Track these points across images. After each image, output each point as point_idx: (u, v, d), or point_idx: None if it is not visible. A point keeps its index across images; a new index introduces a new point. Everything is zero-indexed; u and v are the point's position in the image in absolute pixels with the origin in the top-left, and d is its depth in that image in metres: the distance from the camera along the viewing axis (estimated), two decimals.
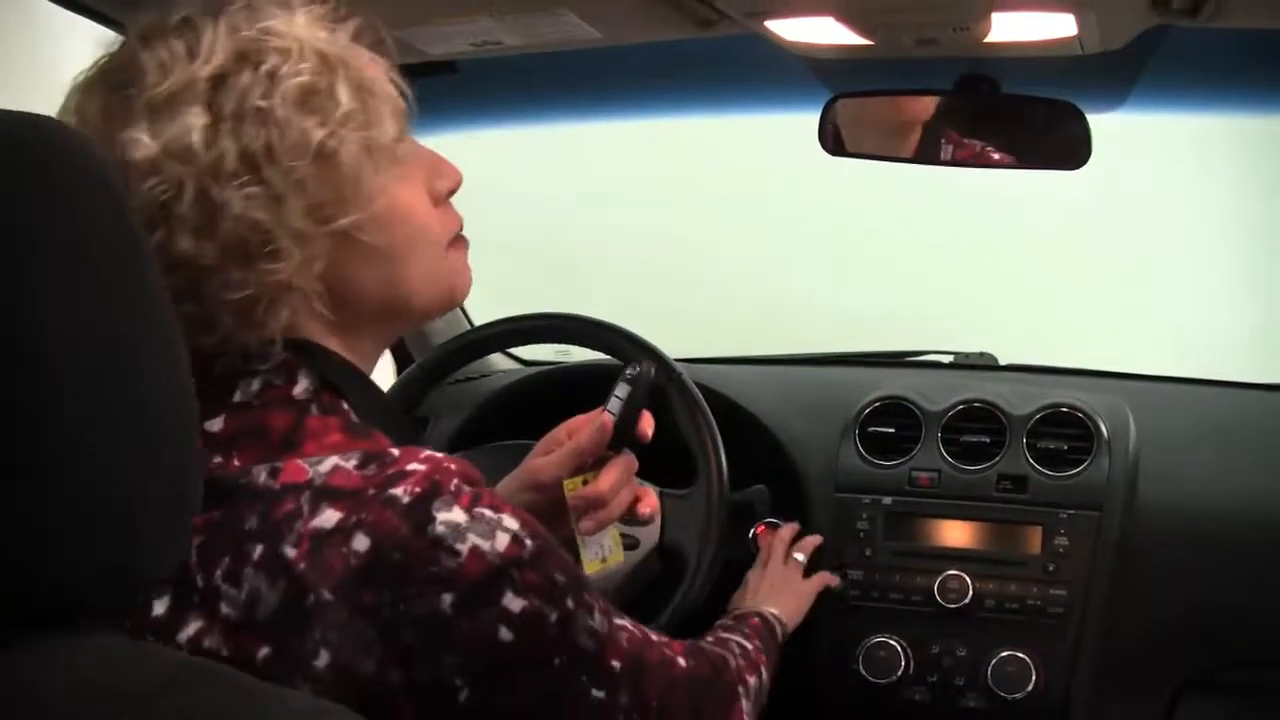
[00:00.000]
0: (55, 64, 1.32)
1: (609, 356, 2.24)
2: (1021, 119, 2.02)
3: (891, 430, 2.34)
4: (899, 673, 2.20)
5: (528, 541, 1.18)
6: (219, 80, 1.18)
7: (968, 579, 2.19)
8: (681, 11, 1.73)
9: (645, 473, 2.21)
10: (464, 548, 1.13)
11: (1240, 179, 3.66)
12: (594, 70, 2.29)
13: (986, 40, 1.77)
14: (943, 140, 2.06)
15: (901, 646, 2.20)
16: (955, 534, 2.24)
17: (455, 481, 1.15)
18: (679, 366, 2.17)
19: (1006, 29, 1.74)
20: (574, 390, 2.54)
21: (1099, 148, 1.98)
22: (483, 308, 2.84)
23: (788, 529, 2.22)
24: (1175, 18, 1.64)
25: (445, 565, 1.13)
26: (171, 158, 1.16)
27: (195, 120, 1.17)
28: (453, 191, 1.37)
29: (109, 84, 1.22)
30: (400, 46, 1.73)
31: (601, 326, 2.22)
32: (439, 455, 1.17)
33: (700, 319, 3.79)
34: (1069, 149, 1.99)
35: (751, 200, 4.21)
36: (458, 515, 1.14)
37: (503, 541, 1.16)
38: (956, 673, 2.19)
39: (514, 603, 1.16)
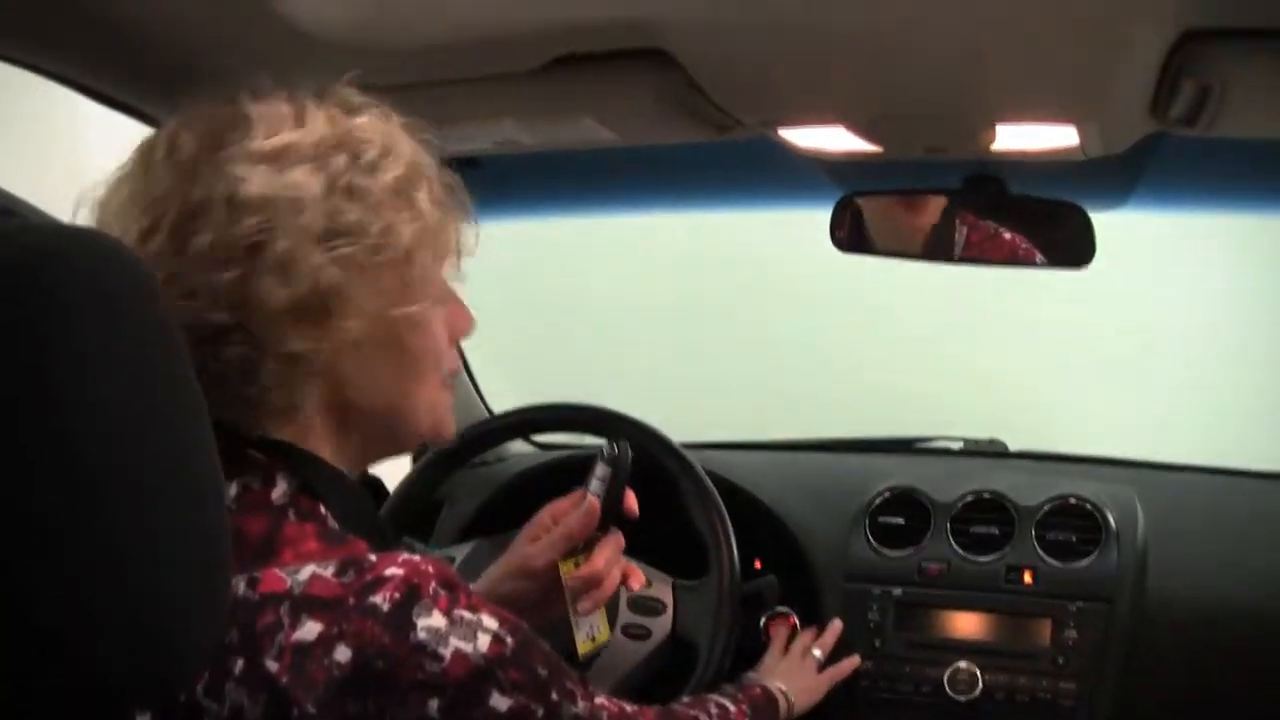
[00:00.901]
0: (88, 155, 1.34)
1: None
2: (1028, 218, 2.05)
3: (901, 521, 2.35)
4: None
5: (509, 639, 1.20)
6: (324, 152, 1.23)
7: (977, 671, 2.19)
8: (698, 118, 1.76)
9: (657, 563, 2.24)
10: (447, 652, 1.15)
11: (1250, 267, 3.67)
12: (611, 166, 2.32)
13: (992, 148, 1.80)
14: (951, 238, 2.08)
15: None
16: (965, 625, 2.25)
17: (433, 585, 1.16)
18: (691, 456, 2.20)
19: (1011, 139, 1.77)
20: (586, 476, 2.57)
21: (1107, 235, 2.01)
22: (498, 388, 2.88)
23: (808, 634, 2.24)
24: (1173, 126, 1.66)
25: (429, 671, 1.14)
26: (281, 203, 1.19)
27: (309, 179, 1.21)
28: (468, 335, 1.44)
29: (212, 125, 1.24)
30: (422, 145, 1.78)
31: (613, 418, 2.25)
32: (415, 559, 1.18)
33: (714, 400, 3.81)
34: (1074, 248, 2.02)
35: (763, 286, 4.23)
36: (438, 620, 1.15)
37: (484, 642, 1.17)
38: None
39: (501, 702, 1.18)
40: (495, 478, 2.60)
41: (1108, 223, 2.02)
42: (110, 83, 1.72)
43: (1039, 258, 2.06)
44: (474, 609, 1.19)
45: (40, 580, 0.81)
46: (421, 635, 1.13)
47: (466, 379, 2.83)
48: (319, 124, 1.25)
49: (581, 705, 1.29)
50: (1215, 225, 3.14)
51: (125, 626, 0.84)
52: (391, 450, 1.42)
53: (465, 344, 2.72)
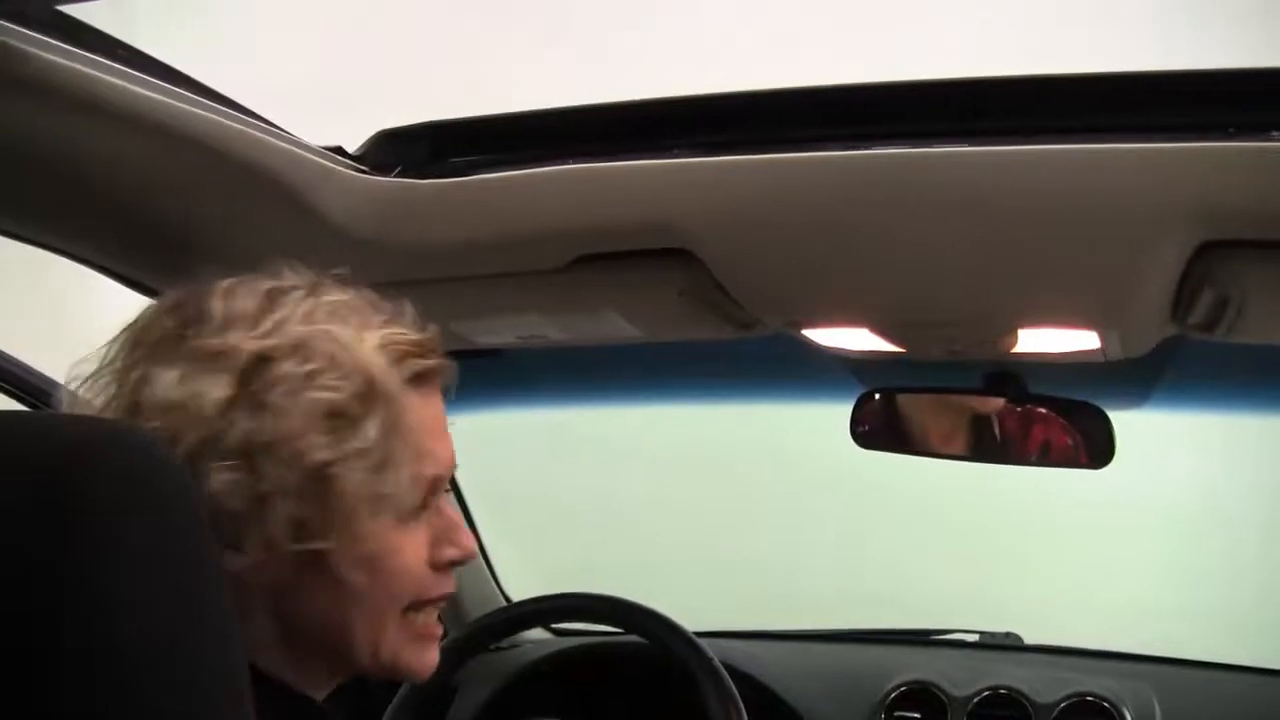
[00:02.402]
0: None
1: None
2: (1045, 418, 2.07)
3: (918, 716, 2.34)
4: None
5: None
6: (262, 359, 1.15)
7: None
8: (721, 315, 1.78)
9: None
10: None
11: (1264, 459, 3.68)
12: (630, 358, 2.34)
13: (1013, 351, 1.82)
14: (969, 436, 2.10)
15: None
16: None
17: None
18: (708, 648, 2.19)
19: (1032, 343, 1.80)
20: (604, 666, 2.57)
21: (1130, 425, 2.03)
22: (516, 576, 2.88)
23: None
24: (1193, 332, 1.68)
25: None
26: (181, 411, 1.12)
27: (219, 390, 1.13)
28: (456, 562, 1.29)
29: (181, 316, 1.19)
30: (449, 337, 1.80)
31: (630, 609, 2.25)
32: None
33: (731, 589, 3.81)
34: (1093, 448, 2.04)
35: (782, 477, 4.25)
36: None
37: None
38: None
39: None
40: (510, 664, 2.60)
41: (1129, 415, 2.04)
42: (124, 263, 1.74)
43: (1060, 457, 2.07)
44: None
45: None
46: None
47: (484, 565, 2.84)
48: (282, 329, 1.17)
49: None
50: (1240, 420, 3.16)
51: None
52: (361, 673, 1.30)
53: (481, 530, 2.78)
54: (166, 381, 1.14)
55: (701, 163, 1.51)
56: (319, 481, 1.14)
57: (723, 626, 2.62)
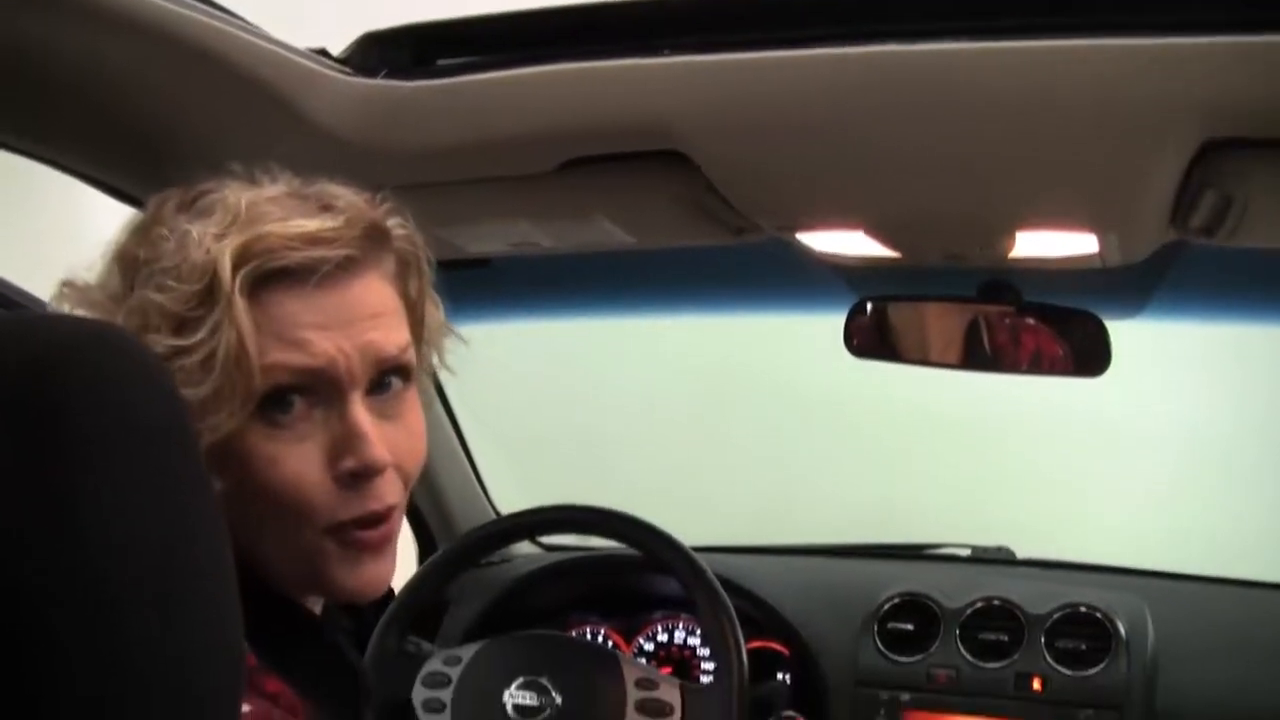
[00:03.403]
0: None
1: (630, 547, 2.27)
2: (1042, 326, 2.05)
3: (910, 627, 2.34)
4: None
5: None
6: (135, 262, 1.19)
7: None
8: (714, 220, 1.76)
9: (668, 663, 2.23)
10: None
11: (1267, 376, 3.67)
12: (622, 268, 2.32)
13: (1011, 256, 1.80)
14: (964, 345, 2.08)
15: None
16: None
17: None
18: (701, 560, 2.19)
19: (1030, 247, 1.77)
20: (595, 579, 2.57)
21: (1121, 344, 2.01)
22: (505, 491, 2.87)
23: None
24: (1194, 236, 1.67)
25: None
26: (87, 309, 1.19)
27: (103, 292, 1.20)
28: (357, 474, 1.21)
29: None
30: (438, 244, 1.77)
31: (624, 520, 2.24)
32: (247, 709, 1.07)
33: (723, 504, 3.81)
34: (1089, 356, 2.02)
35: (765, 391, 4.24)
36: None
37: None
38: None
39: None
40: (501, 579, 2.59)
41: (1119, 330, 2.02)
42: (108, 171, 1.73)
43: (1056, 365, 2.06)
44: None
45: (61, 702, 0.79)
46: None
47: (474, 481, 2.83)
48: (163, 233, 1.19)
49: None
50: (1229, 332, 3.14)
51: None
52: (307, 596, 1.30)
53: (472, 445, 2.77)
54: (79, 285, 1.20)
55: (695, 61, 1.47)
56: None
57: (715, 543, 2.61)
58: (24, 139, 1.63)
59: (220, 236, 1.16)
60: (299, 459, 1.20)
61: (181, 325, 1.15)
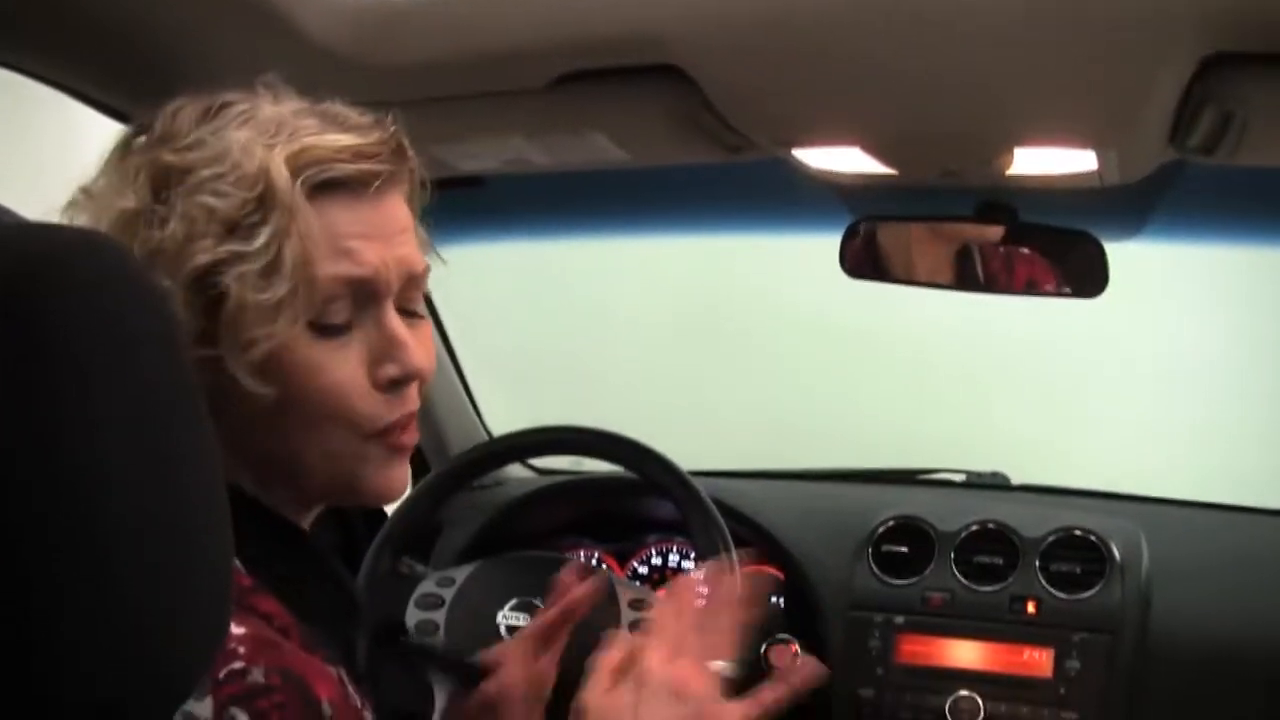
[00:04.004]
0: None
1: (624, 469, 2.27)
2: (1039, 247, 2.03)
3: (905, 550, 2.34)
4: None
5: None
6: (172, 171, 1.18)
7: (979, 700, 2.18)
8: (709, 137, 1.75)
9: (662, 586, 2.22)
10: None
11: (1261, 302, 3.67)
12: (616, 188, 2.31)
13: (1008, 173, 1.79)
14: (961, 266, 2.07)
15: None
16: (967, 654, 2.23)
17: (231, 667, 1.06)
18: (696, 482, 2.19)
19: (1028, 163, 1.76)
20: (588, 502, 2.57)
21: (1117, 271, 2.00)
22: (499, 413, 2.87)
23: None
24: (1193, 154, 1.66)
25: None
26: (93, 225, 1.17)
27: (126, 202, 1.18)
28: (398, 381, 1.26)
29: (131, 135, 1.24)
30: (431, 162, 1.76)
31: (619, 441, 2.24)
32: (238, 631, 1.08)
33: (716, 429, 3.80)
34: (1086, 277, 2.00)
35: (767, 315, 4.23)
36: (205, 708, 1.03)
37: None
38: None
39: None
40: (495, 502, 2.59)
41: (1116, 255, 2.01)
42: (101, 86, 1.71)
43: (1052, 286, 2.04)
44: (261, 718, 1.05)
45: (36, 600, 0.78)
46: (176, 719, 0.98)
47: (467, 402, 2.82)
48: (196, 141, 1.19)
49: None
50: (1227, 258, 3.14)
51: (121, 645, 0.81)
52: (318, 502, 1.33)
53: (466, 368, 2.77)
54: (93, 194, 1.19)
55: None
56: (202, 286, 1.16)
57: (710, 468, 2.60)
58: (12, 53, 1.61)
59: (269, 146, 1.18)
60: (344, 367, 1.23)
61: (236, 230, 1.16)
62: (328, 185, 1.20)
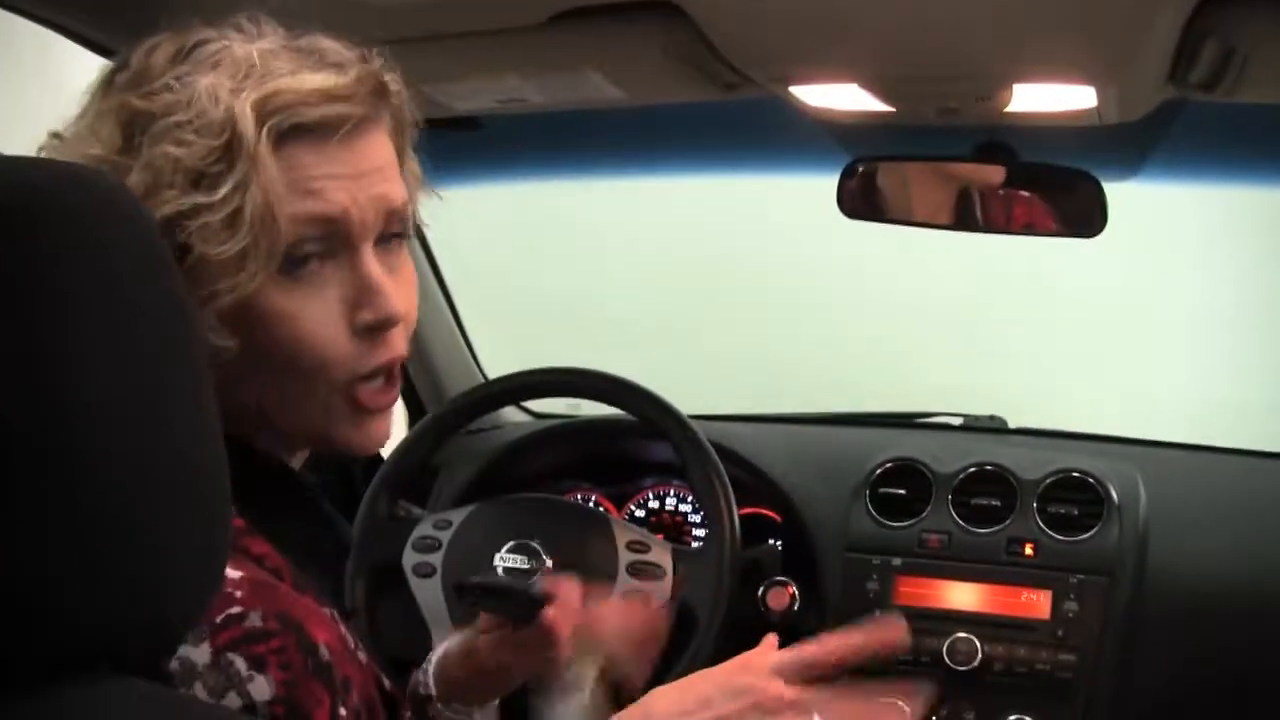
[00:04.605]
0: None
1: (622, 411, 2.26)
2: (1038, 186, 2.02)
3: (902, 492, 2.34)
4: None
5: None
6: (140, 116, 1.15)
7: (977, 641, 2.18)
8: (706, 74, 1.74)
9: (659, 530, 2.23)
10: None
11: (1259, 245, 3.67)
12: (612, 128, 2.30)
13: (1007, 110, 1.78)
14: (959, 206, 2.06)
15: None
16: (965, 596, 2.23)
17: (228, 611, 1.06)
18: (694, 425, 2.18)
19: (1027, 100, 1.75)
20: (586, 444, 2.56)
21: (1114, 214, 1.99)
22: (491, 356, 2.86)
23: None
24: (1193, 91, 1.65)
25: None
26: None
27: (96, 149, 1.15)
28: (374, 326, 1.22)
29: (110, 73, 1.20)
30: (426, 102, 1.74)
31: (617, 383, 2.24)
32: (236, 574, 1.08)
33: (714, 373, 3.80)
34: (1085, 216, 2.00)
35: (765, 258, 4.23)
36: (202, 653, 1.04)
37: (232, 704, 1.03)
38: None
39: None
40: (491, 445, 2.58)
41: (1114, 196, 2.00)
42: (86, 21, 1.69)
43: (1051, 226, 2.04)
44: (253, 664, 1.05)
45: (20, 535, 0.77)
46: (173, 664, 0.99)
47: (464, 346, 2.82)
48: (165, 85, 1.15)
49: None
50: (1226, 198, 3.13)
51: (108, 588, 0.80)
52: (302, 447, 1.31)
53: (462, 311, 2.76)
54: (64, 138, 1.16)
55: None
56: (167, 237, 1.09)
57: (709, 411, 2.60)
58: None
59: (236, 91, 1.14)
60: (317, 313, 1.19)
61: (200, 180, 1.13)
62: (296, 130, 1.16)
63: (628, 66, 1.79)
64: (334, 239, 1.20)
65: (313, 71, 1.18)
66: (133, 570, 0.81)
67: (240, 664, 1.04)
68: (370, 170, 1.21)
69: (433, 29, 1.69)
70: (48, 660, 0.80)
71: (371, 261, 1.22)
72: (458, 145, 2.06)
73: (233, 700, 1.03)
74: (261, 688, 1.05)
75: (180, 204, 1.12)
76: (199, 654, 1.03)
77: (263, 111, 1.14)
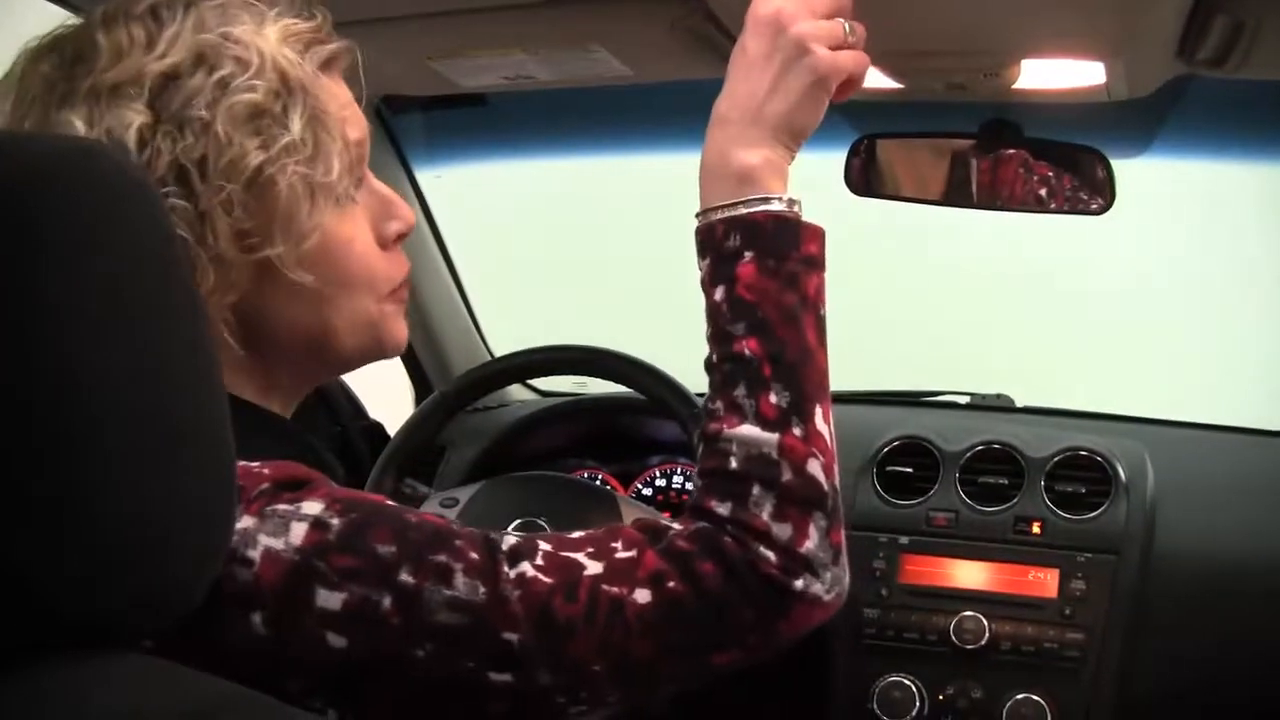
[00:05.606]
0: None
1: (629, 390, 2.25)
2: (1046, 163, 2.02)
3: (909, 470, 2.33)
4: (913, 713, 2.19)
5: (334, 521, 1.08)
6: (170, 78, 1.14)
7: (984, 620, 2.18)
8: (713, 51, 1.73)
9: (665, 508, 2.22)
10: (256, 554, 1.05)
11: (1266, 221, 3.65)
12: (618, 105, 2.29)
13: (1015, 86, 1.77)
14: (966, 183, 2.05)
15: (916, 687, 2.20)
16: (972, 575, 2.23)
17: (260, 487, 1.08)
18: (699, 401, 2.18)
19: (1036, 76, 1.74)
20: (592, 422, 2.56)
21: (1124, 191, 1.98)
22: (496, 328, 2.86)
23: None
24: (1201, 68, 1.64)
25: (241, 580, 1.04)
26: None
27: (135, 116, 1.12)
28: (403, 235, 1.32)
29: (60, 57, 1.17)
30: (433, 79, 1.74)
31: (624, 361, 2.23)
32: (255, 465, 1.10)
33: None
34: (1094, 193, 1.99)
35: None
36: (246, 522, 1.05)
37: (299, 533, 1.06)
38: (972, 714, 2.18)
39: (331, 599, 1.05)
40: (498, 423, 2.58)
41: (1122, 174, 1.99)
42: None
43: (1059, 203, 2.03)
44: (296, 500, 1.08)
45: (29, 512, 0.77)
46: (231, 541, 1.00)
47: (470, 323, 2.82)
48: (176, 43, 1.15)
49: (464, 583, 1.08)
50: (1232, 176, 3.12)
51: (110, 554, 0.81)
52: (329, 373, 1.39)
53: (469, 288, 2.76)
54: (75, 128, 1.13)
55: None
56: (257, 186, 1.15)
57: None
58: None
59: (258, 33, 1.19)
60: (363, 233, 1.28)
61: (273, 122, 1.16)
62: (326, 64, 1.23)
63: (634, 43, 1.79)
64: (360, 163, 1.27)
65: (291, 18, 1.22)
66: (130, 535, 0.81)
67: (284, 506, 1.09)
68: (353, 100, 1.28)
69: (440, 5, 1.69)
70: (38, 633, 0.80)
71: (376, 180, 1.31)
72: (464, 122, 2.05)
73: (296, 530, 1.07)
74: (314, 505, 1.09)
75: (267, 150, 1.16)
76: (244, 522, 1.07)
77: (296, 46, 1.20)
